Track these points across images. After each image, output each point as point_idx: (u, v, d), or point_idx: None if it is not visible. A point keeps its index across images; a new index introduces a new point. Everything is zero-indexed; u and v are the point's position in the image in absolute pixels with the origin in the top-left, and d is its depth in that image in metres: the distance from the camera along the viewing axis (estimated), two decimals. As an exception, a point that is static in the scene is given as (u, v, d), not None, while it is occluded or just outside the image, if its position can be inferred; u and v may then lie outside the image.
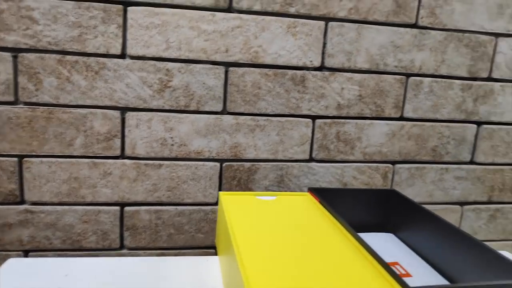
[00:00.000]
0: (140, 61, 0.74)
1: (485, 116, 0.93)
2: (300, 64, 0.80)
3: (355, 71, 0.83)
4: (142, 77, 0.75)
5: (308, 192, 0.74)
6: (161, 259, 0.70)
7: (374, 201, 0.70)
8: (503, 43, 0.89)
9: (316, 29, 0.79)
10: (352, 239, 0.54)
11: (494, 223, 1.01)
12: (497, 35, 0.88)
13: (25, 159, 0.75)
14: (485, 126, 0.94)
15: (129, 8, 0.72)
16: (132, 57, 0.74)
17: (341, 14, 0.80)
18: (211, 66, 0.77)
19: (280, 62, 0.79)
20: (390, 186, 0.92)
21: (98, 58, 0.73)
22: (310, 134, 0.85)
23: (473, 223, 1.00)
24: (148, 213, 0.82)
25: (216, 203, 0.84)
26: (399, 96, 0.87)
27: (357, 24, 0.81)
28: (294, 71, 0.81)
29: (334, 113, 0.85)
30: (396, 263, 0.60)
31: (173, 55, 0.75)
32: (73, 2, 0.70)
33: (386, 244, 0.66)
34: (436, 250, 0.61)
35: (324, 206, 0.63)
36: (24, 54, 0.71)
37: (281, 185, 0.87)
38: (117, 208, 0.81)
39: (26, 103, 0.73)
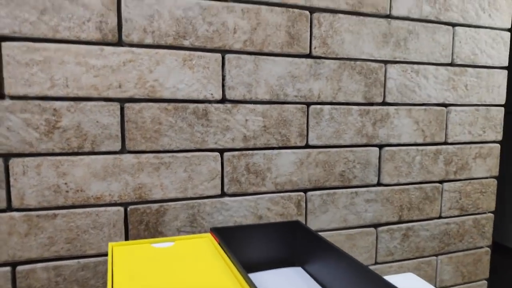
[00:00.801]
0: (22, 101, 0.65)
1: (385, 139, 0.93)
2: (201, 97, 0.75)
3: (257, 102, 0.80)
4: (26, 119, 0.65)
5: (210, 233, 0.67)
6: None
7: (279, 235, 0.64)
8: (391, 69, 0.91)
9: (213, 62, 0.75)
10: (242, 281, 0.47)
11: (407, 241, 1.00)
12: (385, 62, 0.90)
13: None
14: (386, 148, 0.93)
15: (3, 44, 0.63)
16: (13, 97, 0.64)
17: (237, 46, 0.77)
18: (104, 103, 0.69)
19: (179, 96, 0.74)
20: (304, 215, 0.87)
21: (-30, 100, 0.62)
22: (219, 168, 0.79)
23: (388, 244, 0.97)
24: (45, 270, 0.70)
25: (121, 251, 0.74)
26: (302, 124, 0.84)
27: (253, 56, 0.78)
28: (196, 104, 0.75)
29: (241, 145, 0.80)
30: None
31: (60, 93, 0.66)
32: None
33: (293, 279, 0.59)
34: (336, 280, 0.55)
35: (223, 247, 0.56)
36: None
37: (193, 224, 0.78)
38: (8, 268, 0.68)
39: None
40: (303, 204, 0.87)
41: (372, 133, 0.91)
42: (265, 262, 0.63)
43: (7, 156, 0.65)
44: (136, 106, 0.71)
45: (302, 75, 0.83)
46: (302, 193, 0.86)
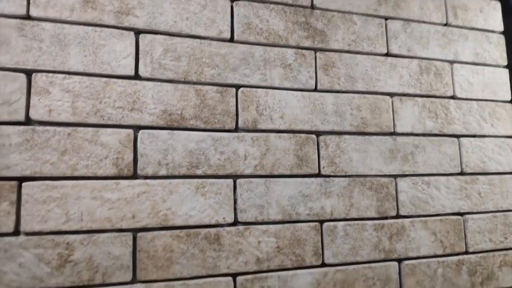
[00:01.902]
0: (36, 237, 0.61)
1: (403, 252, 0.85)
2: (213, 222, 0.71)
3: (269, 222, 0.75)
4: (38, 254, 0.61)
5: None
6: None
7: None
8: (402, 182, 0.86)
9: (225, 187, 0.72)
10: None
11: None
12: (395, 176, 0.85)
13: None
14: (405, 262, 0.85)
15: (23, 184, 0.62)
16: (27, 234, 0.61)
17: (248, 171, 0.74)
18: (116, 234, 0.65)
19: (191, 222, 0.70)
20: None
21: (-14, 239, 0.59)
22: (232, 294, 0.72)
23: None
24: None
25: None
26: (316, 243, 0.78)
27: (264, 179, 0.75)
28: (207, 229, 0.71)
29: (255, 268, 0.73)
30: None
31: (74, 227, 0.63)
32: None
33: None
34: None
35: None
36: None
37: None
38: None
39: None
40: (322, 329, 0.77)
41: (389, 248, 0.83)
42: None
43: (16, 294, 0.61)
44: (149, 235, 0.67)
45: (313, 194, 0.78)
46: (320, 317, 0.77)
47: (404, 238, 0.85)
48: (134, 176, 0.67)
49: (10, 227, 0.60)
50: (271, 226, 0.75)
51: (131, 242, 0.66)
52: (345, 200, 0.81)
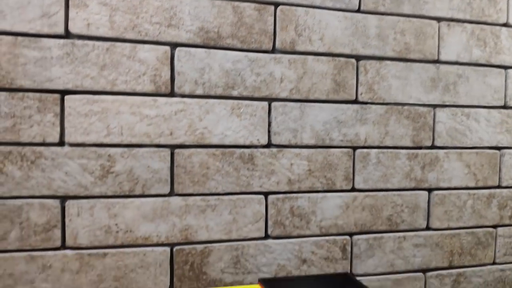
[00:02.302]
0: (80, 148, 0.64)
1: (434, 182, 0.85)
2: (247, 143, 0.72)
3: (302, 146, 0.75)
4: (82, 164, 0.65)
5: (258, 283, 0.62)
6: None
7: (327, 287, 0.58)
8: (441, 113, 0.83)
9: (260, 109, 0.72)
10: None
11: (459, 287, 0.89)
12: (434, 106, 0.83)
13: (-48, 258, 0.62)
14: (435, 192, 0.85)
15: (66, 97, 0.63)
16: (71, 145, 0.64)
17: (283, 94, 0.73)
18: (155, 149, 0.68)
19: (226, 142, 0.71)
20: (349, 259, 0.80)
21: (34, 147, 0.63)
22: (263, 211, 0.75)
23: (437, 292, 0.88)
24: (94, 307, 0.68)
25: (167, 292, 0.71)
26: (348, 168, 0.78)
27: (299, 103, 0.74)
28: (242, 149, 0.72)
29: (286, 188, 0.75)
30: None
31: (115, 140, 0.66)
32: (5, 93, 0.61)
33: None
34: None
35: None
36: (-48, 147, 0.60)
37: (237, 266, 0.74)
38: (60, 304, 0.67)
39: (-46, 198, 0.61)
40: (349, 248, 0.80)
41: (421, 177, 0.83)
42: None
43: (63, 198, 0.65)
44: (186, 152, 0.69)
45: (348, 120, 0.77)
46: (347, 237, 0.80)
47: (437, 168, 0.84)
48: (172, 94, 0.67)
49: (55, 137, 0.63)
50: (304, 150, 0.75)
51: (169, 158, 0.68)
52: (380, 128, 0.80)
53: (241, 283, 0.73)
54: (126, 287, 0.69)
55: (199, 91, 0.68)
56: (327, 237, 0.79)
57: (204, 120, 0.69)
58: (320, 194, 0.77)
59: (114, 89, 0.65)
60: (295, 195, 0.76)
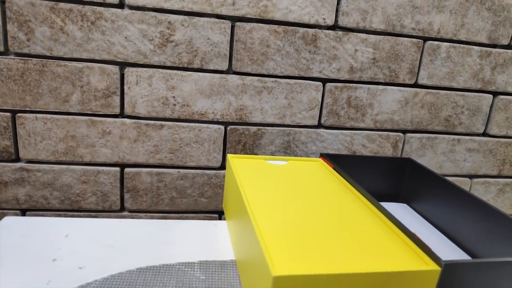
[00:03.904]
0: (140, 12, 0.62)
1: (502, 86, 0.80)
2: (312, 21, 0.68)
3: (370, 31, 0.70)
4: (142, 30, 0.63)
5: (320, 157, 0.62)
6: (165, 222, 0.58)
7: (387, 169, 0.58)
8: (528, 7, 0.75)
9: (330, -17, 0.66)
10: (371, 207, 0.43)
11: (502, 197, 0.89)
12: (523, -3, 0.74)
13: (18, 114, 0.64)
14: (501, 97, 0.81)
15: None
16: (131, 7, 0.61)
17: (358, -33, 0.66)
18: (216, 20, 0.64)
19: (290, 18, 0.67)
20: (400, 156, 0.80)
21: (94, 7, 0.60)
22: (319, 99, 0.73)
23: (481, 196, 0.88)
24: (149, 175, 0.72)
25: (219, 168, 0.73)
26: (414, 61, 0.74)
27: (374, -21, 0.67)
28: (306, 29, 0.68)
29: (346, 76, 0.72)
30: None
31: (176, 6, 0.62)
32: None
33: (400, 214, 0.54)
34: (453, 220, 0.49)
35: (339, 172, 0.52)
36: (12, -2, 0.59)
37: (287, 151, 0.75)
38: (117, 169, 0.70)
39: (17, 54, 0.61)
40: (400, 145, 0.79)
41: (489, 78, 0.78)
42: (370, 193, 0.58)
43: (123, 65, 0.64)
44: (247, 26, 0.66)
45: (424, 6, 0.71)
46: (401, 134, 0.78)
47: (509, 71, 0.79)
48: (237, -44, 0.62)
49: (115, -3, 0.61)
50: (371, 36, 0.70)
51: (229, 31, 0.65)
52: (457, 18, 0.73)
53: (292, 166, 0.74)
54: (181, 160, 0.71)
55: (267, -43, 0.63)
56: (380, 132, 0.77)
57: (269, -9, 0.64)
58: (380, 87, 0.74)
59: None
60: (354, 85, 0.73)
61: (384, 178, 0.58)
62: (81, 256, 0.48)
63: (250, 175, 0.49)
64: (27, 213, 0.70)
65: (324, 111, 0.74)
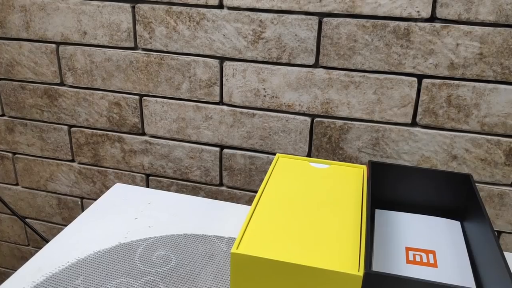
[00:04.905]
0: (236, 12, 0.70)
1: None
2: (405, 15, 0.65)
3: (476, 23, 0.64)
4: (238, 28, 0.71)
5: (367, 164, 0.61)
6: (222, 203, 0.69)
7: (444, 184, 0.52)
8: None
9: (426, -27, 0.62)
10: (364, 214, 0.44)
11: None
12: None
13: (144, 98, 0.81)
14: None
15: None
16: (229, 8, 0.70)
17: (461, -47, 0.60)
18: (303, 17, 0.68)
19: (380, 12, 0.65)
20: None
21: (199, 8, 0.71)
22: (414, 96, 0.70)
23: None
24: (243, 157, 0.81)
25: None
26: (537, 56, 0.63)
27: (482, -35, 0.60)
28: (397, 22, 0.66)
29: (446, 73, 0.67)
30: (431, 252, 0.45)
31: (266, 5, 0.68)
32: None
33: (440, 230, 0.50)
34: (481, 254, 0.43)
35: (367, 180, 0.51)
36: (140, 5, 0.74)
37: (376, 148, 0.74)
38: (217, 149, 0.82)
39: (143, 49, 0.77)
40: (515, 153, 0.69)
41: None
42: (421, 207, 0.55)
43: (222, 59, 0.74)
44: (334, 21, 0.67)
45: (552, -9, 0.60)
46: (515, 140, 0.69)
47: None
48: (324, -45, 0.64)
49: (215, 0, 0.70)
50: (477, 28, 0.63)
51: (316, 27, 0.68)
52: None
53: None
54: (270, 147, 0.78)
55: (355, -48, 0.63)
56: (489, 136, 0.69)
57: (357, -14, 0.65)
58: (489, 85, 0.66)
59: (267, -50, 0.65)
60: (456, 82, 0.67)
61: (440, 192, 0.53)
62: (153, 219, 0.65)
63: (282, 174, 0.53)
64: (150, 177, 0.88)
65: (419, 109, 0.70)
